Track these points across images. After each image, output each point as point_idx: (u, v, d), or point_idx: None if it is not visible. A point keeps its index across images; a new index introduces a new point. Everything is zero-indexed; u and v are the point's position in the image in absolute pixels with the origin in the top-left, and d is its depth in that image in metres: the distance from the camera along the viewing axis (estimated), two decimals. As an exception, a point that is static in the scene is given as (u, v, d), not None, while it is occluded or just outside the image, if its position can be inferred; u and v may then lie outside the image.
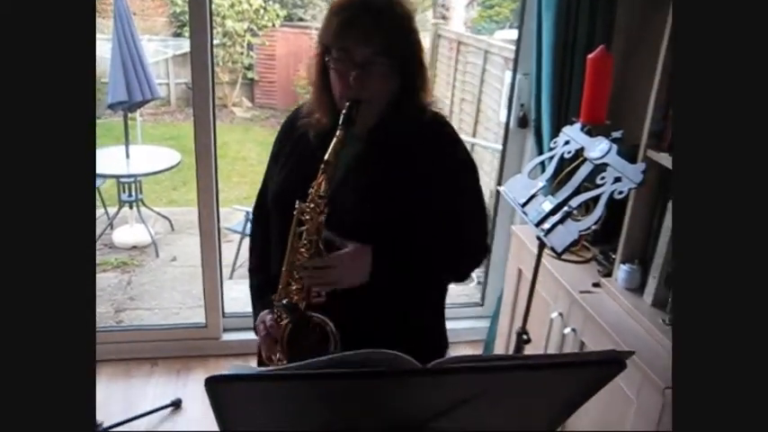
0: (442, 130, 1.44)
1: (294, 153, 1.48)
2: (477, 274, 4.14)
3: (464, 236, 1.44)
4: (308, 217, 1.28)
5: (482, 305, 3.30)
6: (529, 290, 2.13)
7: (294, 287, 1.35)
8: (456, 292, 4.05)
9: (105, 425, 2.42)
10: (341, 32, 1.28)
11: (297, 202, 1.29)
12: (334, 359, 0.82)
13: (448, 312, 3.31)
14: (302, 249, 1.30)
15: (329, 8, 1.34)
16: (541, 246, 2.06)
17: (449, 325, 3.24)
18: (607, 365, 0.95)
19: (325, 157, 1.26)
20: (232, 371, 0.78)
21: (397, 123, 1.36)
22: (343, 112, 1.29)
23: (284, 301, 1.33)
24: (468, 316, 3.29)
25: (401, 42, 1.31)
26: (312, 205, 1.28)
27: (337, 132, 1.28)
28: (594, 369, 0.96)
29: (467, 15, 8.51)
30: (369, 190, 1.36)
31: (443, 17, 8.09)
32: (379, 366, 0.83)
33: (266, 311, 1.44)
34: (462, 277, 1.58)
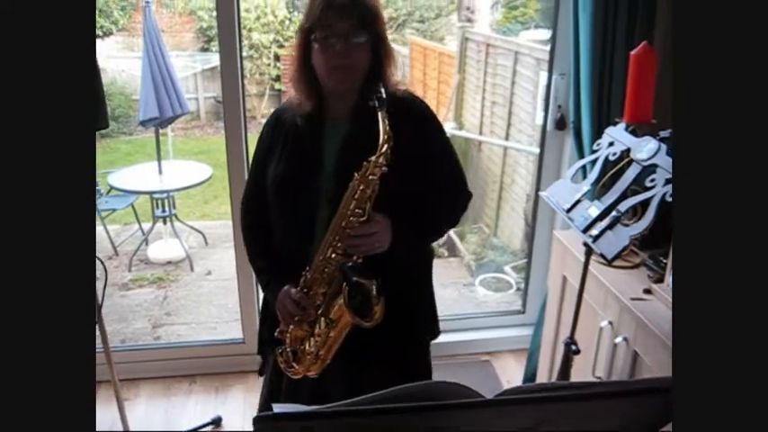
0: (414, 103, 1.64)
1: (288, 143, 1.62)
2: (516, 279, 4.06)
3: (451, 189, 1.69)
4: (362, 187, 1.44)
5: (523, 312, 3.21)
6: (576, 298, 2.05)
7: (333, 255, 1.50)
8: (495, 300, 3.98)
9: (147, 445, 2.40)
10: (323, 12, 1.48)
11: (355, 173, 1.45)
12: (391, 393, 0.76)
13: (489, 321, 3.27)
14: (352, 218, 1.46)
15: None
16: (589, 252, 1.98)
17: (489, 334, 3.18)
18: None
19: (383, 134, 1.43)
20: (281, 409, 0.72)
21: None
22: (374, 99, 1.47)
23: (350, 264, 1.48)
24: (510, 324, 3.21)
25: (373, 19, 1.51)
26: (370, 177, 1.44)
27: (379, 114, 1.45)
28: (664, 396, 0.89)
29: (492, 17, 8.43)
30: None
31: (469, 20, 8.02)
32: (436, 398, 0.77)
33: (287, 287, 1.59)
34: (455, 224, 1.79)
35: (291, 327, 1.61)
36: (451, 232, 4.73)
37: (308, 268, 1.55)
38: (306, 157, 1.59)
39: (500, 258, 4.41)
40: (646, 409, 0.91)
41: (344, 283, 1.49)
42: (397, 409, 0.72)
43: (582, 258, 2.04)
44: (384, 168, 1.44)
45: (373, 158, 1.44)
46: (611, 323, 2.04)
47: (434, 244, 1.94)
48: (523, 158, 4.34)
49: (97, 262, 2.20)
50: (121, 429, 2.37)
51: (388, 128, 1.44)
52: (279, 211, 1.65)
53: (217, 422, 2.63)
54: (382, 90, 1.48)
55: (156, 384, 2.88)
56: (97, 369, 2.74)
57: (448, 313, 3.23)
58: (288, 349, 1.64)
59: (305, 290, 1.57)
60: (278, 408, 0.74)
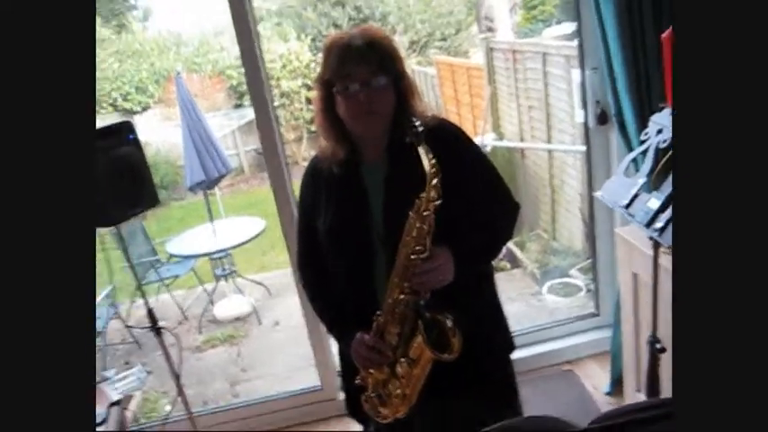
0: (445, 129, 1.61)
1: (332, 192, 1.62)
2: (584, 281, 3.96)
3: (497, 204, 1.66)
4: (418, 224, 1.43)
5: (598, 315, 3.12)
6: (652, 295, 1.98)
7: (402, 296, 1.48)
8: (566, 305, 3.88)
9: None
10: (341, 61, 1.48)
11: (410, 212, 1.43)
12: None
13: (564, 329, 3.18)
14: (413, 256, 1.45)
15: (323, 52, 1.54)
16: (657, 246, 1.92)
17: (566, 342, 3.10)
18: None
19: (429, 168, 1.40)
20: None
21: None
22: (411, 134, 1.42)
23: (422, 302, 1.47)
24: (586, 329, 3.11)
25: (391, 60, 1.51)
26: (425, 213, 1.42)
27: (420, 149, 1.41)
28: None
29: (512, 21, 8.39)
30: (412, 204, 1.46)
31: (489, 29, 8.00)
32: None
33: (359, 334, 1.57)
34: (510, 238, 1.75)
35: (371, 372, 1.60)
36: (510, 244, 4.66)
37: (378, 313, 1.54)
38: (351, 206, 1.59)
39: (564, 262, 4.32)
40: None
41: (419, 321, 1.47)
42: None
43: (650, 252, 1.97)
44: (437, 202, 1.42)
45: (425, 194, 1.42)
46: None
47: (496, 258, 1.91)
48: (570, 158, 4.27)
49: (168, 330, 2.25)
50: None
51: (433, 161, 1.41)
52: (335, 262, 1.64)
53: (308, 473, 2.63)
54: (418, 125, 1.44)
55: (244, 442, 2.90)
56: (183, 435, 2.81)
57: (520, 327, 3.17)
58: (372, 395, 1.63)
59: (378, 334, 1.55)
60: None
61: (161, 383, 4.10)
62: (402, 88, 1.54)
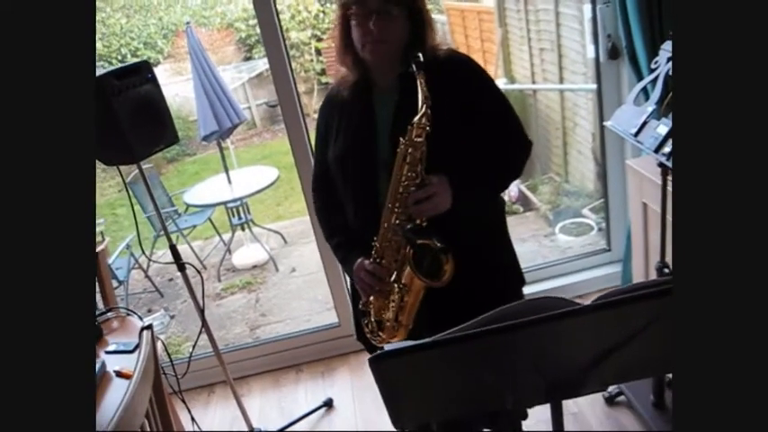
0: (459, 60, 1.64)
1: (343, 120, 1.67)
2: (595, 220, 3.99)
3: (509, 139, 1.66)
4: (410, 150, 1.45)
5: (609, 250, 3.16)
6: (660, 221, 2.03)
7: (397, 221, 1.51)
8: (578, 244, 3.92)
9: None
10: None
11: (401, 138, 1.46)
12: (490, 317, 0.79)
13: (575, 265, 3.24)
14: (406, 183, 1.48)
15: None
16: (665, 172, 1.95)
17: (578, 278, 3.15)
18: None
19: (421, 96, 1.42)
20: (393, 346, 0.76)
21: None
22: (413, 64, 1.46)
23: (408, 226, 1.49)
24: (597, 264, 3.16)
25: None
26: (416, 139, 1.44)
27: (418, 79, 1.44)
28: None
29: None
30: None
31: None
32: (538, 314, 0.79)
33: (361, 259, 1.62)
34: (519, 173, 1.74)
35: (372, 298, 1.65)
36: (523, 186, 4.68)
37: (375, 238, 1.58)
38: (361, 131, 1.63)
39: (576, 203, 4.34)
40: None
41: (408, 247, 1.50)
42: (500, 329, 0.75)
43: (659, 181, 2.00)
44: (428, 129, 1.44)
45: (416, 120, 1.44)
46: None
47: (507, 200, 1.93)
48: (582, 99, 4.25)
49: (193, 268, 2.32)
50: (245, 425, 2.49)
51: (425, 89, 1.44)
52: (344, 186, 1.69)
53: (329, 404, 2.73)
54: (420, 55, 1.48)
55: (266, 379, 3.01)
56: (210, 372, 2.92)
57: (532, 264, 3.22)
58: (372, 320, 1.68)
59: (378, 260, 1.59)
60: (389, 346, 0.78)
61: (183, 329, 4.22)
62: (418, 21, 1.55)
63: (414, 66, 1.46)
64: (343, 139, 1.66)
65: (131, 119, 1.84)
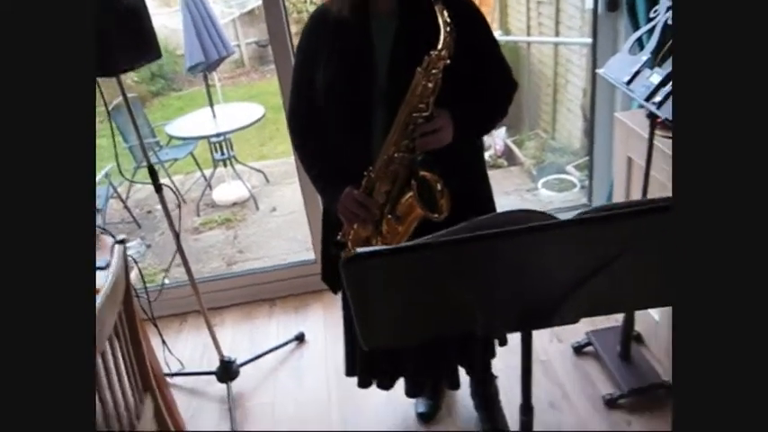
0: None
1: (336, 43, 1.59)
2: (579, 178, 4.00)
3: (500, 79, 1.67)
4: (424, 82, 1.42)
5: (590, 206, 3.16)
6: (644, 175, 2.02)
7: (397, 153, 1.49)
8: (559, 200, 3.94)
9: (239, 361, 2.52)
10: None
11: (417, 68, 1.42)
12: (470, 225, 0.77)
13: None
14: (416, 115, 1.45)
15: None
16: (653, 123, 1.94)
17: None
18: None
19: (443, 26, 1.40)
20: (366, 249, 0.75)
21: None
22: None
23: (420, 158, 1.48)
24: (577, 220, 3.17)
25: None
26: (433, 70, 1.41)
27: (436, 6, 1.41)
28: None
29: None
30: (418, 62, 1.45)
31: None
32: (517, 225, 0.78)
33: (348, 188, 1.58)
34: (505, 113, 1.73)
35: (355, 227, 1.64)
36: (509, 141, 4.66)
37: (371, 168, 1.55)
38: (357, 58, 1.57)
39: (560, 159, 4.34)
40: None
41: (413, 179, 1.49)
42: (477, 237, 0.74)
43: (646, 135, 1.99)
44: (447, 61, 1.42)
45: (435, 52, 1.41)
46: (682, 195, 2.00)
47: (492, 153, 1.95)
48: (575, 54, 4.20)
49: (171, 192, 2.29)
50: (216, 354, 2.49)
51: (448, 19, 1.41)
52: (334, 115, 1.64)
53: (300, 338, 2.74)
54: None
55: (239, 311, 3.01)
56: (184, 301, 2.91)
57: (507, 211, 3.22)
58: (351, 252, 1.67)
59: (368, 190, 1.58)
60: (362, 249, 0.77)
61: (159, 260, 4.20)
62: None
63: None
64: (338, 64, 1.59)
65: (114, 30, 1.77)
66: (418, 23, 1.50)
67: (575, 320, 1.09)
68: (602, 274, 0.93)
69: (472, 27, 1.58)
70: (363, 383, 2.05)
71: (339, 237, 1.70)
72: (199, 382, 2.58)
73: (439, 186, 1.50)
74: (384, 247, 0.78)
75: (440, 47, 1.41)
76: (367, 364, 2.01)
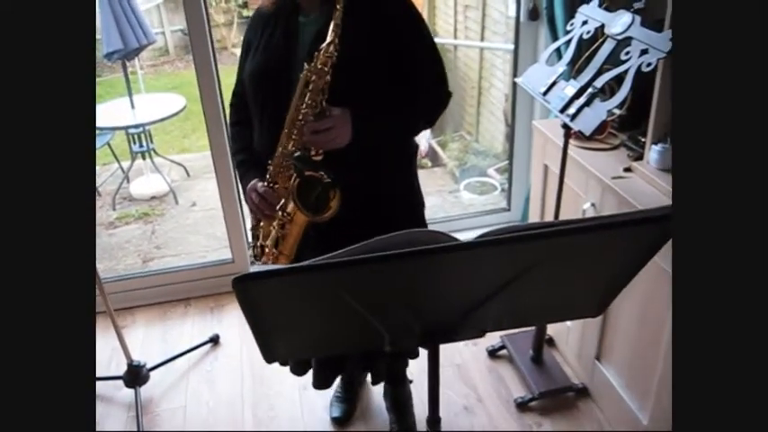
0: None
1: (264, 37, 1.61)
2: (499, 181, 4.07)
3: (427, 82, 1.62)
4: (314, 78, 1.42)
5: (509, 210, 3.23)
6: (558, 182, 2.06)
7: (293, 148, 1.48)
8: (480, 202, 3.99)
9: (149, 365, 2.43)
10: None
11: (305, 64, 1.42)
12: (368, 245, 0.76)
13: (472, 222, 3.28)
14: (306, 110, 1.44)
15: None
16: (567, 134, 1.98)
17: (474, 234, 3.19)
18: (656, 222, 0.87)
19: (333, 25, 1.39)
20: (259, 269, 0.72)
21: None
22: None
23: (297, 153, 1.45)
24: (496, 223, 3.22)
25: None
26: (320, 66, 1.40)
27: (336, 5, 1.39)
28: (645, 228, 0.89)
29: None
30: (339, 61, 1.44)
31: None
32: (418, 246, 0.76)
33: (255, 180, 1.60)
34: (432, 121, 1.73)
35: (262, 221, 1.63)
36: (433, 141, 4.70)
37: (270, 161, 1.55)
38: (280, 51, 1.58)
39: (483, 162, 4.40)
40: (641, 238, 0.90)
41: (295, 177, 1.47)
42: (377, 258, 0.72)
43: (561, 144, 2.03)
44: (333, 58, 1.40)
45: (323, 47, 1.41)
46: (593, 205, 2.05)
47: (419, 155, 1.93)
48: (499, 60, 4.27)
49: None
50: (123, 357, 2.39)
51: (339, 16, 1.40)
52: (254, 104, 1.65)
53: (215, 340, 2.67)
54: None
55: (152, 311, 2.91)
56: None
57: (433, 217, 3.25)
58: (259, 244, 1.65)
59: (271, 184, 1.56)
60: (254, 268, 0.74)
61: (70, 255, 4.01)
62: None
63: None
64: (261, 56, 1.60)
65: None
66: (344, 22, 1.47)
67: (481, 335, 1.10)
68: (506, 292, 0.94)
69: (404, 27, 1.57)
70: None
71: (251, 227, 1.69)
72: (106, 387, 2.47)
73: (327, 185, 1.46)
74: (275, 267, 0.75)
75: (327, 41, 1.40)
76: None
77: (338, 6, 1.40)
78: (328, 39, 1.40)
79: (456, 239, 0.79)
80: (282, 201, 1.53)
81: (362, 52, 1.48)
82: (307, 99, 1.43)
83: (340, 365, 2.04)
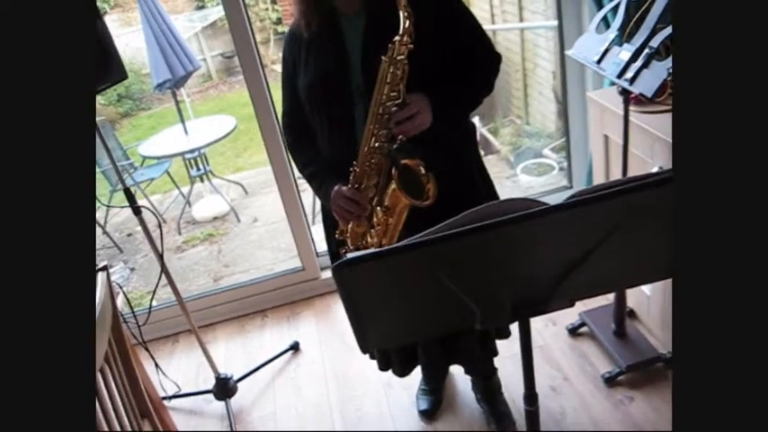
0: None
1: (311, 49, 1.62)
2: (556, 160, 4.01)
3: (480, 53, 1.66)
4: (392, 69, 1.43)
5: (571, 187, 3.18)
6: (622, 151, 2.03)
7: (377, 144, 1.50)
8: (540, 184, 3.95)
9: (235, 377, 2.49)
10: None
11: (382, 56, 1.43)
12: (462, 219, 0.76)
13: (537, 203, 3.22)
14: (388, 103, 1.46)
15: None
16: (627, 100, 1.94)
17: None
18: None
19: (402, 12, 1.40)
20: (358, 253, 0.73)
21: None
22: None
23: (395, 146, 1.47)
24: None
25: None
26: (398, 57, 1.42)
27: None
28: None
29: None
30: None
31: None
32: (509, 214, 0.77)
33: (337, 186, 1.61)
34: (491, 87, 1.75)
35: (351, 224, 1.64)
36: (484, 129, 4.67)
37: (354, 163, 1.57)
38: (331, 59, 1.60)
39: (537, 144, 4.35)
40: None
41: (393, 168, 1.49)
42: (479, 228, 0.72)
43: (620, 112, 2.00)
44: (410, 46, 1.42)
45: (398, 38, 1.42)
46: (661, 168, 2.01)
47: None
48: (541, 38, 4.21)
49: (150, 213, 2.25)
50: (211, 372, 2.46)
51: (405, 3, 1.41)
52: (317, 117, 1.67)
53: (295, 347, 2.72)
54: None
55: (231, 325, 2.98)
56: (173, 321, 2.88)
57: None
58: (351, 248, 1.67)
59: (356, 185, 1.59)
60: (351, 255, 0.75)
61: (145, 283, 4.15)
62: None
63: None
64: (314, 67, 1.62)
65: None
66: (384, 16, 1.50)
67: (571, 304, 1.09)
68: (595, 256, 0.93)
69: (443, 5, 1.59)
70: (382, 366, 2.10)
71: (337, 234, 1.71)
72: (197, 402, 2.55)
73: (422, 171, 1.50)
74: (372, 250, 0.77)
75: (401, 32, 1.42)
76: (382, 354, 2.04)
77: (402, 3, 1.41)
78: (403, 27, 1.41)
79: (543, 203, 0.79)
80: (376, 198, 1.56)
81: (424, 37, 1.48)
82: (387, 92, 1.45)
83: (419, 351, 2.05)
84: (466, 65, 1.62)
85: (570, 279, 0.98)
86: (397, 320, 0.97)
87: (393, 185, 1.49)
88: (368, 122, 1.50)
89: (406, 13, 1.41)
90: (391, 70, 1.44)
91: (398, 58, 1.42)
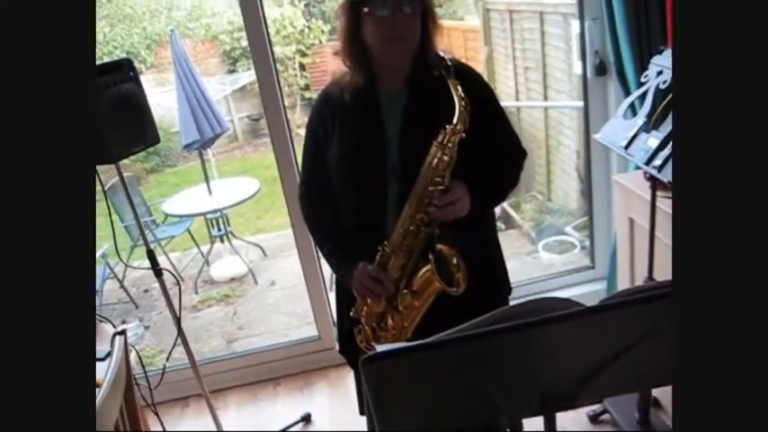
0: (466, 69, 1.62)
1: (346, 119, 1.60)
2: (578, 238, 3.99)
3: (509, 149, 1.68)
4: (440, 155, 1.44)
5: (593, 267, 3.14)
6: (649, 236, 2.01)
7: (412, 227, 1.49)
8: (561, 262, 3.91)
9: (244, 449, 2.44)
10: None
11: (433, 141, 1.44)
12: (496, 315, 0.75)
13: (557, 282, 3.21)
14: (431, 188, 1.45)
15: None
16: (654, 186, 1.94)
17: (561, 295, 3.11)
18: None
19: (458, 101, 1.43)
20: (391, 347, 0.72)
21: (428, 69, 1.51)
22: (443, 66, 1.47)
23: (438, 232, 1.47)
24: (580, 281, 3.14)
25: None
26: (449, 144, 1.43)
27: (449, 82, 1.45)
28: None
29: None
30: (432, 136, 1.47)
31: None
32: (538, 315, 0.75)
33: (362, 264, 1.57)
34: (517, 182, 1.75)
35: (369, 303, 1.61)
36: (505, 204, 4.67)
37: (386, 243, 1.54)
38: (367, 134, 1.58)
39: (559, 221, 4.34)
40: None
41: (430, 253, 1.47)
42: (501, 330, 0.71)
43: (647, 196, 1.99)
44: (462, 135, 1.44)
45: (451, 126, 1.43)
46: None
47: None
48: (566, 117, 4.26)
49: (170, 274, 2.26)
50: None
51: (462, 93, 1.43)
52: (346, 191, 1.63)
53: (306, 419, 2.66)
54: (447, 58, 1.48)
55: (243, 392, 2.93)
56: (185, 384, 2.84)
57: (514, 280, 3.19)
58: (366, 327, 1.64)
59: (382, 265, 1.56)
60: (382, 347, 0.74)
61: (158, 341, 4.12)
62: (428, 21, 1.53)
63: (443, 70, 1.46)
64: (349, 141, 1.59)
65: (111, 117, 1.78)
66: (426, 99, 1.52)
67: (599, 400, 1.05)
68: (627, 356, 0.90)
69: (481, 98, 1.59)
70: None
71: (352, 312, 1.67)
72: (204, 471, 2.48)
73: (455, 260, 1.49)
74: (404, 344, 0.75)
75: (455, 121, 1.43)
76: None
77: (454, 82, 1.44)
78: (457, 116, 1.42)
79: (578, 304, 0.77)
80: (404, 280, 1.54)
81: (470, 127, 1.49)
82: (432, 176, 1.45)
83: None
84: (496, 158, 1.63)
85: (600, 377, 0.95)
86: (422, 410, 0.94)
87: (426, 270, 1.48)
88: (408, 205, 1.49)
89: (463, 103, 1.43)
90: (439, 155, 1.44)
91: (449, 145, 1.44)
